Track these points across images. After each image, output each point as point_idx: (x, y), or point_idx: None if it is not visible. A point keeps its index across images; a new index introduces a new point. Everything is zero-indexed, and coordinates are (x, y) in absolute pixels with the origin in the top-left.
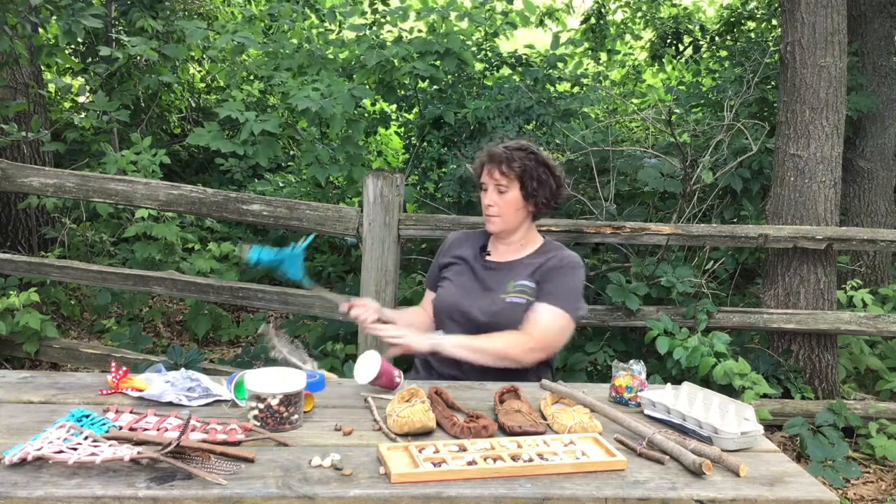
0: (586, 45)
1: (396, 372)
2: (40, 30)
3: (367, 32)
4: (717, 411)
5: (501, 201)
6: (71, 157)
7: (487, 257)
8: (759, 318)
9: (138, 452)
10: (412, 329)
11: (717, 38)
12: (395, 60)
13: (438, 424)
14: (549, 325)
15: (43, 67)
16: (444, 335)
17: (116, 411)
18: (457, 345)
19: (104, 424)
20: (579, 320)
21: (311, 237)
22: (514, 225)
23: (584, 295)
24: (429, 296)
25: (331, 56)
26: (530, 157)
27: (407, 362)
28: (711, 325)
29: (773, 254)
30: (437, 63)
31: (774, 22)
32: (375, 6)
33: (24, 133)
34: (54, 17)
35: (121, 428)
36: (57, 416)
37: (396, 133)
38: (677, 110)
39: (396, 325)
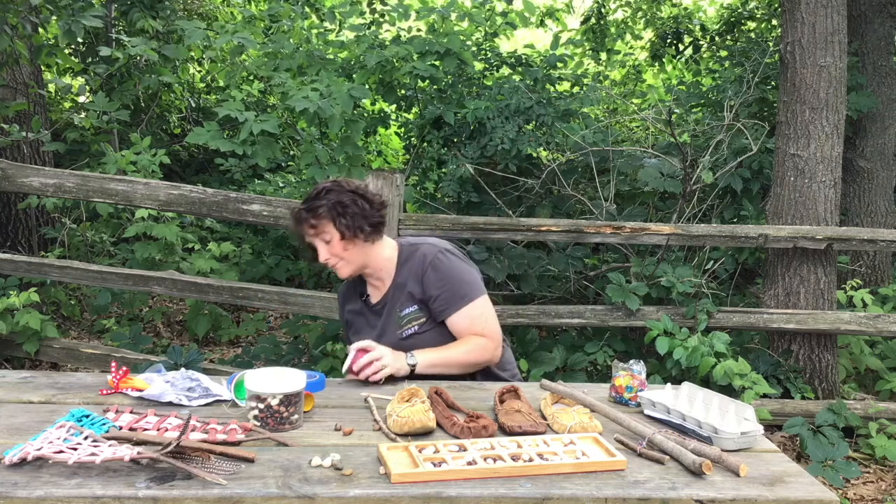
0: (586, 44)
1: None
2: (40, 30)
3: (367, 32)
4: (717, 411)
5: (333, 250)
6: (71, 157)
7: (369, 301)
8: (759, 318)
9: (138, 452)
10: (387, 351)
11: (717, 38)
12: (395, 60)
13: (438, 424)
14: (484, 320)
15: (43, 67)
16: (415, 354)
17: (116, 411)
18: (428, 363)
19: (104, 424)
20: (486, 291)
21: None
22: (360, 261)
23: (472, 263)
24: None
25: (330, 56)
26: (329, 195)
27: None
28: (711, 325)
29: (773, 254)
30: (437, 63)
31: (774, 22)
32: (374, 6)
33: (24, 133)
34: (54, 18)
35: (121, 428)
36: (57, 416)
37: (396, 133)
38: (677, 110)
39: (373, 347)
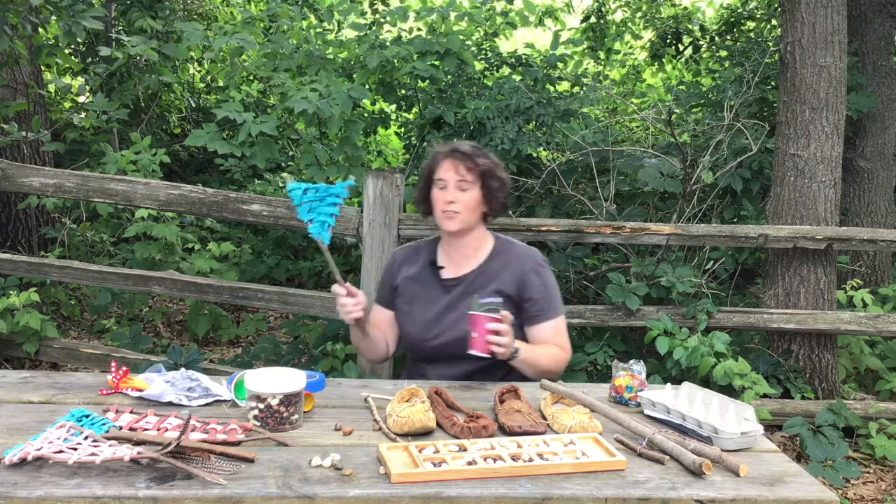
0: (586, 44)
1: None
2: (40, 30)
3: (367, 32)
4: (716, 411)
5: (463, 198)
6: (71, 157)
7: (442, 273)
8: (759, 318)
9: (138, 452)
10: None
11: (716, 38)
12: (395, 60)
13: (438, 424)
14: (565, 336)
15: (43, 67)
16: (520, 345)
17: (116, 411)
18: (523, 358)
19: (104, 424)
20: None
21: (351, 181)
22: (471, 225)
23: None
24: (378, 311)
25: (330, 56)
26: (488, 156)
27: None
28: (711, 325)
29: (773, 254)
30: (437, 63)
31: (774, 22)
32: (376, 6)
33: (24, 133)
34: (54, 18)
35: (121, 428)
36: (57, 416)
37: (396, 133)
38: (677, 110)
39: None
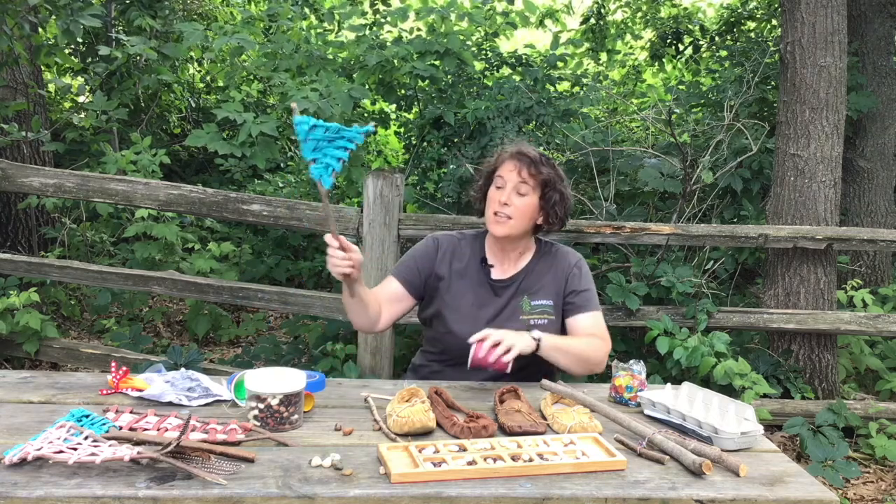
0: (586, 45)
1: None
2: (39, 30)
3: (367, 33)
4: (716, 411)
5: (519, 203)
6: (71, 157)
7: (492, 273)
8: (759, 318)
9: (138, 452)
10: (504, 329)
11: (716, 38)
12: (395, 60)
13: (438, 424)
14: (604, 328)
15: (43, 67)
16: (534, 332)
17: (116, 411)
18: (552, 345)
19: (104, 424)
20: None
21: (369, 127)
22: (520, 232)
23: None
24: (391, 283)
25: (330, 56)
26: (556, 168)
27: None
28: (711, 325)
29: (773, 254)
30: (437, 63)
31: (774, 22)
32: (376, 6)
33: (24, 133)
34: (53, 17)
35: (121, 428)
36: (57, 416)
37: (396, 133)
38: (677, 110)
39: (489, 333)
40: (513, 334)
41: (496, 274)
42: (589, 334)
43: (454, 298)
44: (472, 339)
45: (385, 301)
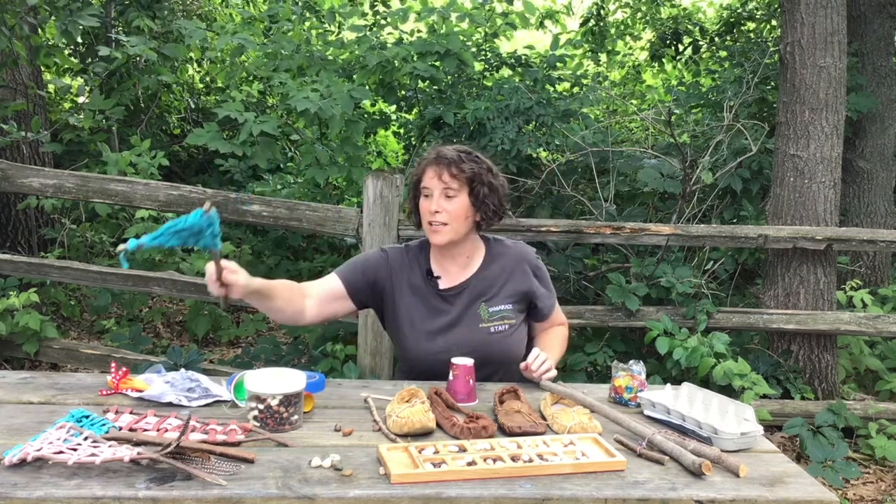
0: (586, 46)
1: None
2: (39, 30)
3: (368, 33)
4: (716, 412)
5: (450, 207)
6: (70, 158)
7: (439, 283)
8: (759, 318)
9: (138, 453)
10: (499, 345)
11: (716, 39)
12: (396, 61)
13: (438, 425)
14: (560, 310)
15: (43, 68)
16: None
17: (116, 412)
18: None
19: (104, 425)
20: None
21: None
22: (461, 235)
23: None
24: (332, 281)
25: (330, 57)
26: (478, 160)
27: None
28: (711, 325)
29: (772, 254)
30: (437, 63)
31: (774, 22)
32: (376, 7)
33: (23, 133)
34: (53, 18)
35: (121, 428)
36: (57, 416)
37: (395, 133)
38: (677, 111)
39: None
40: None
41: (444, 283)
42: (559, 324)
43: (406, 314)
44: (527, 362)
45: (320, 297)
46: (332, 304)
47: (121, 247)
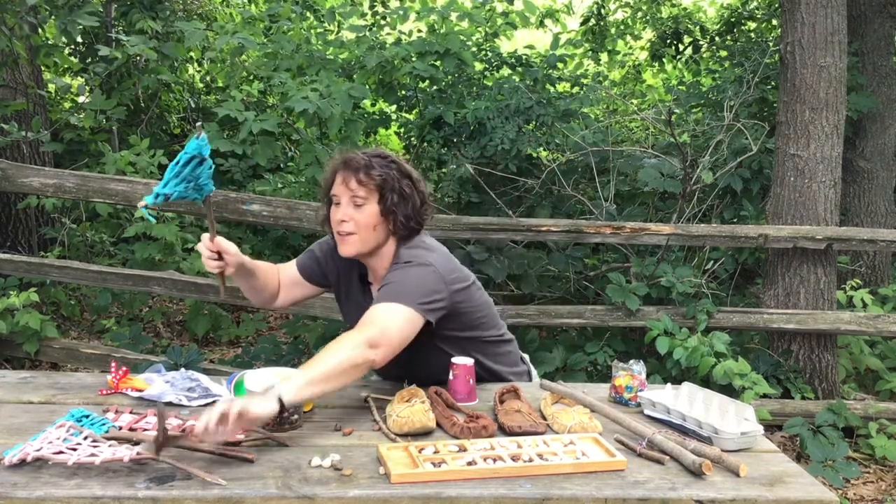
0: (586, 45)
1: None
2: (39, 30)
3: (367, 34)
4: (717, 411)
5: (358, 216)
6: (70, 158)
7: (371, 290)
8: (759, 318)
9: (138, 452)
10: (248, 396)
11: (717, 39)
12: (395, 61)
13: (438, 424)
14: (382, 319)
15: (43, 67)
16: (279, 383)
17: (116, 411)
18: (299, 387)
19: (104, 425)
20: (427, 316)
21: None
22: (371, 246)
23: (437, 297)
24: (291, 268)
25: (330, 57)
26: (391, 165)
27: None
28: (711, 325)
29: (773, 254)
30: (437, 63)
31: (774, 22)
32: (375, 8)
33: (23, 133)
34: (53, 17)
35: (120, 428)
36: (57, 416)
37: (396, 133)
38: (677, 110)
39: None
40: (251, 405)
41: (374, 290)
42: (368, 323)
43: (347, 317)
44: (197, 427)
45: (284, 282)
46: (294, 289)
47: (140, 203)
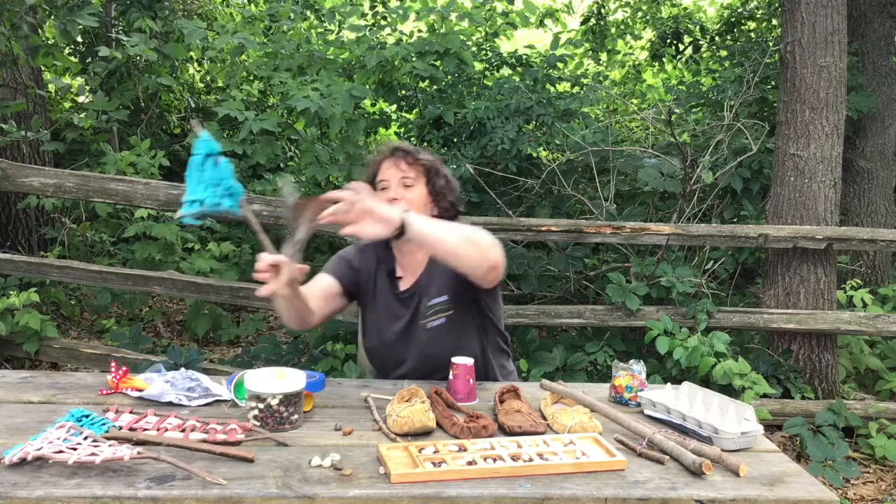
0: (586, 45)
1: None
2: (38, 30)
3: (367, 33)
4: (717, 411)
5: (409, 195)
6: (71, 157)
7: (400, 286)
8: (759, 318)
9: (138, 452)
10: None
11: (717, 38)
12: (395, 61)
13: (438, 424)
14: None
15: (43, 67)
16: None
17: (116, 411)
18: (426, 221)
19: (104, 424)
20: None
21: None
22: None
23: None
24: (325, 279)
25: (331, 56)
26: (431, 156)
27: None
28: (711, 325)
29: (773, 254)
30: (437, 63)
31: (774, 22)
32: (376, 8)
33: (23, 132)
34: (52, 17)
35: (121, 428)
36: (57, 416)
37: (396, 133)
38: (677, 110)
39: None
40: (379, 203)
41: (403, 285)
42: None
43: (371, 311)
44: (330, 205)
45: (319, 297)
46: (330, 302)
47: (177, 215)
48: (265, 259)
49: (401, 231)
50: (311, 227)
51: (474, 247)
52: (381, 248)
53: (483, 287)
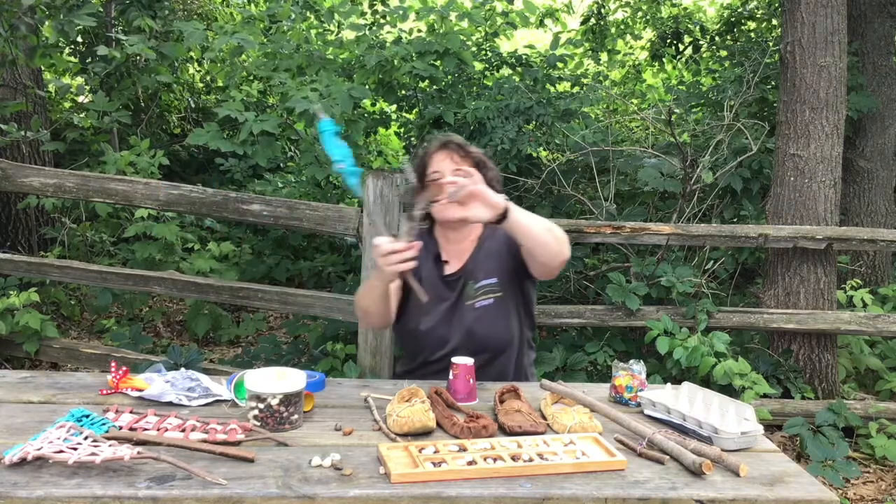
0: (586, 45)
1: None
2: (37, 30)
3: (367, 33)
4: (717, 411)
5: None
6: (71, 157)
7: (446, 270)
8: (759, 318)
9: (138, 452)
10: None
11: (717, 38)
12: (395, 60)
13: (438, 424)
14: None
15: (43, 67)
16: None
17: (116, 411)
18: (522, 211)
19: (104, 424)
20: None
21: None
22: None
23: None
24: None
25: (330, 57)
26: (478, 149)
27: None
28: (711, 325)
29: (773, 254)
30: (437, 63)
31: (774, 22)
32: (375, 7)
33: (23, 132)
34: (50, 17)
35: (121, 428)
36: (57, 416)
37: (396, 133)
38: (677, 110)
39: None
40: (489, 189)
41: (449, 269)
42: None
43: (414, 308)
44: (449, 188)
45: (392, 293)
46: (396, 295)
47: (338, 166)
48: (387, 245)
49: (502, 216)
50: (427, 208)
51: (555, 239)
52: (426, 235)
53: (537, 275)
